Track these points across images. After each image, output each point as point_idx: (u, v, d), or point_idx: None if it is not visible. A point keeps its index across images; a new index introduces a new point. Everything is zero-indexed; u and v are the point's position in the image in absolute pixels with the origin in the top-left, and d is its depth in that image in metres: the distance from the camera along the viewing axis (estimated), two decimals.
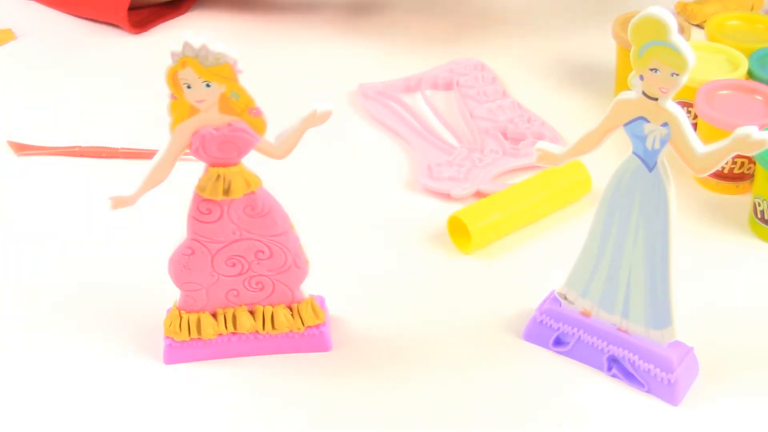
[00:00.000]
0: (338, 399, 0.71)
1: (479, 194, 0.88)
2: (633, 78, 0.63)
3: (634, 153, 0.65)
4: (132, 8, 1.12)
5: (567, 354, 0.73)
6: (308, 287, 0.72)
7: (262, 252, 0.70)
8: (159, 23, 1.13)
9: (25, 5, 1.16)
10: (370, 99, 0.99)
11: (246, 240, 0.69)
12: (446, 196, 0.88)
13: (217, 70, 0.62)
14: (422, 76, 1.03)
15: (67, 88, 1.03)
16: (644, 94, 0.63)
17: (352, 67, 1.06)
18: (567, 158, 0.68)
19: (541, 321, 0.74)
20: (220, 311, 0.72)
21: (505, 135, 0.95)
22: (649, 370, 0.70)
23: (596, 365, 0.72)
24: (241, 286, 0.71)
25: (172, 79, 0.63)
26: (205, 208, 0.68)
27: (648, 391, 0.70)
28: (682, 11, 1.13)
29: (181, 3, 1.16)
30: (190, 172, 0.67)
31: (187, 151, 0.66)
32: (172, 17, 1.14)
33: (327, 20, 1.14)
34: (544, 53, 1.08)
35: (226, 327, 0.73)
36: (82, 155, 0.93)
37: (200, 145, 0.65)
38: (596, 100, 1.01)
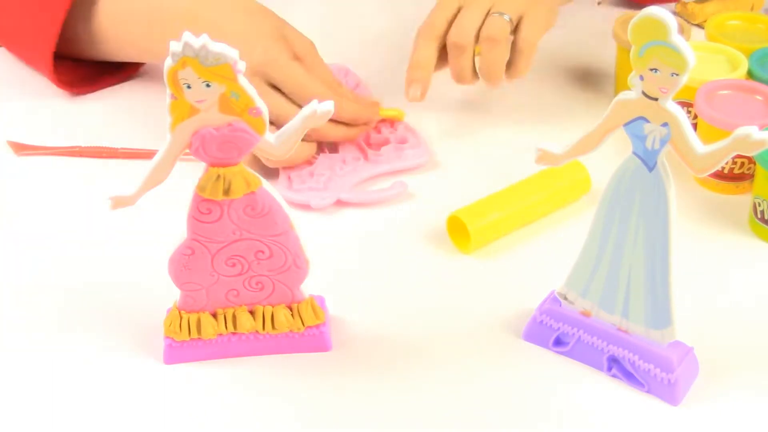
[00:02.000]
0: (338, 399, 0.70)
1: (340, 203, 0.87)
2: (633, 78, 0.63)
3: (634, 153, 0.65)
4: (67, 58, 0.99)
5: (567, 354, 0.73)
6: (308, 287, 0.72)
7: (262, 252, 0.70)
8: (99, 88, 1.01)
9: None
10: None
11: (246, 240, 0.69)
12: (307, 207, 0.86)
13: (217, 70, 0.62)
14: None
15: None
16: (644, 94, 0.63)
17: None
18: (567, 158, 0.68)
19: (541, 321, 0.74)
20: (220, 311, 0.72)
21: (367, 141, 0.92)
22: (649, 370, 0.70)
23: (596, 365, 0.72)
24: (241, 286, 0.71)
25: (172, 79, 0.63)
26: (205, 208, 0.68)
27: (648, 391, 0.70)
28: (682, 11, 1.13)
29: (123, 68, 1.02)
30: (190, 172, 0.67)
31: (187, 151, 0.66)
32: (113, 83, 1.02)
33: None
34: (544, 53, 1.08)
35: (226, 327, 0.73)
36: (82, 155, 0.93)
37: (200, 145, 0.65)
38: (596, 100, 1.01)
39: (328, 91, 0.88)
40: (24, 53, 1.01)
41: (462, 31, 0.91)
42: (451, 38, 0.92)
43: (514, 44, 0.93)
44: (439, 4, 0.95)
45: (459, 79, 0.94)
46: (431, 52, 0.93)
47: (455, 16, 0.93)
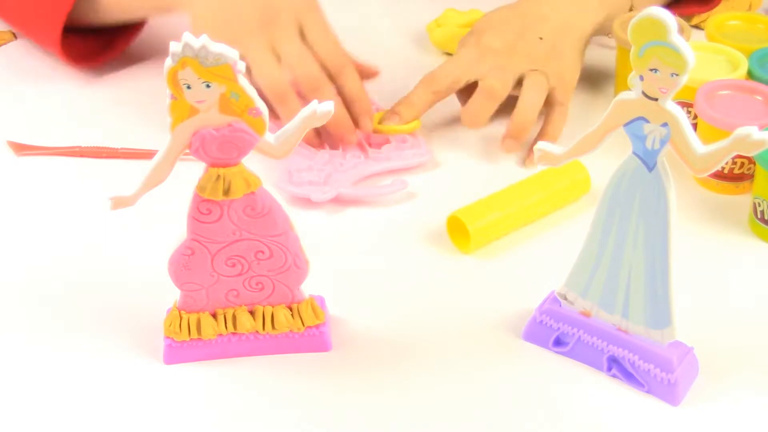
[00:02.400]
0: (338, 399, 0.71)
1: (339, 199, 0.87)
2: (633, 78, 0.63)
3: (634, 153, 0.65)
4: (78, 30, 1.02)
5: (567, 354, 0.73)
6: (308, 287, 0.72)
7: (262, 252, 0.70)
8: (109, 58, 1.04)
9: None
10: None
11: (246, 240, 0.69)
12: (307, 201, 0.86)
13: (216, 71, 0.62)
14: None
15: (66, 88, 1.03)
16: (644, 94, 0.63)
17: None
18: (567, 158, 0.68)
19: (541, 321, 0.74)
20: (220, 311, 0.72)
21: (368, 139, 0.92)
22: (649, 370, 0.70)
23: (596, 365, 0.72)
24: (241, 287, 0.71)
25: (172, 79, 0.63)
26: (205, 208, 0.68)
27: (648, 391, 0.70)
28: None
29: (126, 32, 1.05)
30: (190, 172, 0.67)
31: (187, 151, 0.66)
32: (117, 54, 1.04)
33: None
34: None
35: (226, 327, 0.73)
36: (82, 155, 0.93)
37: (200, 145, 0.65)
38: (596, 100, 1.01)
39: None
40: (32, 31, 1.01)
41: (500, 81, 0.91)
42: (488, 81, 0.91)
43: (550, 107, 0.93)
44: (451, 59, 0.95)
45: (473, 119, 0.91)
46: (424, 101, 0.92)
47: (464, 73, 0.93)
